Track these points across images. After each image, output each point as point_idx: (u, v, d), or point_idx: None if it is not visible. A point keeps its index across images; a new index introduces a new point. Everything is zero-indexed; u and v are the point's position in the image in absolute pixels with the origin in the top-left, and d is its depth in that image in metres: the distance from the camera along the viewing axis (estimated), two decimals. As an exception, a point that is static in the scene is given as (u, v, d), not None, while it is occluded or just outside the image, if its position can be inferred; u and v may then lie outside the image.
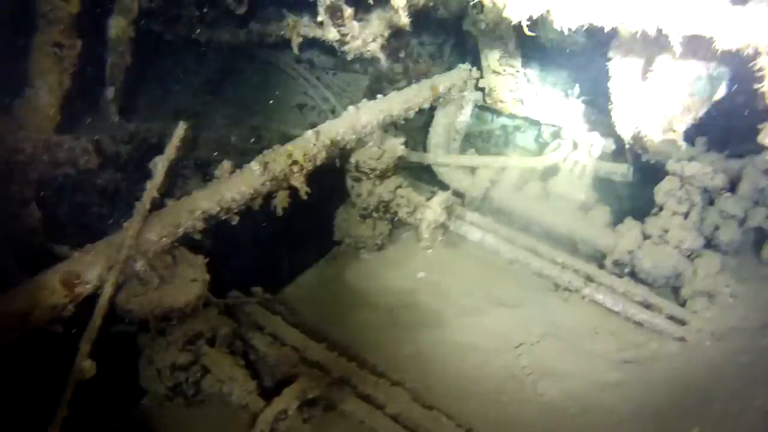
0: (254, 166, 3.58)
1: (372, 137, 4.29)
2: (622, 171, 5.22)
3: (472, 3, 2.84)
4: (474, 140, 6.58)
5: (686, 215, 4.58)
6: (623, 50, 3.96)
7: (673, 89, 3.43)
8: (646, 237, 4.57)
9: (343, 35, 4.09)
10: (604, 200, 4.95)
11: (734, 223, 4.84)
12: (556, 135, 5.72)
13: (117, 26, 4.53)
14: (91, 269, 3.02)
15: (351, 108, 4.23)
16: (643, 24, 2.63)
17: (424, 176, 5.47)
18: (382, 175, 4.41)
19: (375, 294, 4.51)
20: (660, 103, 3.58)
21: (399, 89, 4.83)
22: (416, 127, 5.60)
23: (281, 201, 3.73)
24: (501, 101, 5.61)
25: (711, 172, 4.57)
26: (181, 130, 3.29)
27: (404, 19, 4.30)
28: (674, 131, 3.79)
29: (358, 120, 4.16)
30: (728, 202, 4.83)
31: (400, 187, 4.48)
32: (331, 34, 4.08)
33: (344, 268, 4.76)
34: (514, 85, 5.47)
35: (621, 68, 4.01)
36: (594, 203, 4.88)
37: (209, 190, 3.48)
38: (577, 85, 6.00)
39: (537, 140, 6.54)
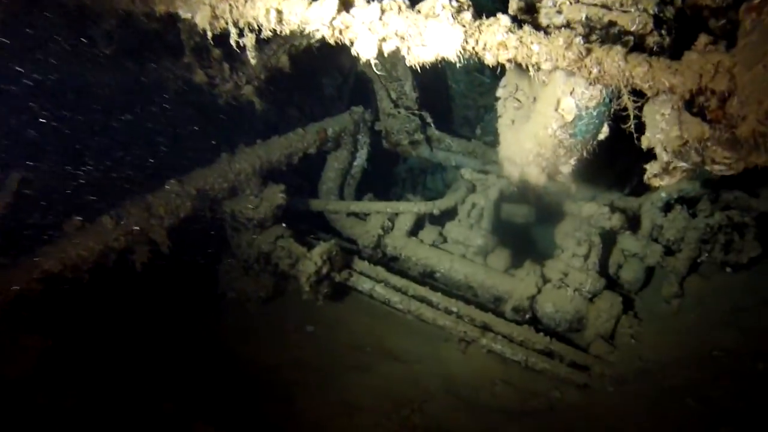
0: (105, 220, 3.40)
1: (248, 185, 4.17)
2: (523, 213, 5.24)
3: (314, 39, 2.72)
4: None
5: (586, 257, 4.60)
6: (509, 89, 4.00)
7: (553, 130, 3.42)
8: (546, 281, 4.55)
9: (211, 77, 3.98)
10: (504, 243, 4.92)
11: (636, 262, 4.90)
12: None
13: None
14: None
15: (224, 155, 4.11)
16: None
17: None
18: (261, 225, 4.27)
19: (259, 351, 4.31)
20: (541, 145, 3.56)
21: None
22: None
23: (139, 257, 3.55)
24: (399, 144, 5.59)
25: (608, 212, 4.63)
26: (13, 182, 3.09)
27: (283, 60, 4.24)
28: (560, 173, 3.77)
29: (231, 168, 4.04)
30: (629, 240, 4.89)
31: (281, 237, 4.34)
32: (198, 76, 3.96)
33: (228, 324, 4.55)
34: (412, 128, 5.46)
35: (506, 108, 4.03)
36: (493, 247, 4.83)
37: (52, 247, 3.27)
38: (479, 126, 6.08)
39: (444, 182, 6.56)
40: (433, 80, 6.22)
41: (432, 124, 5.51)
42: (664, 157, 3.24)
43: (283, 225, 4.42)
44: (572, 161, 3.45)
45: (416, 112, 5.39)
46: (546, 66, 2.33)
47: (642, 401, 3.98)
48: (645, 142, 3.45)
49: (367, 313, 4.60)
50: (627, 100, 2.43)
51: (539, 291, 4.49)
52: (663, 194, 4.87)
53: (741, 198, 4.89)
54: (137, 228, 3.47)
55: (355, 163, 5.30)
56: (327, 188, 5.14)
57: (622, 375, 4.26)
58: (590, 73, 2.30)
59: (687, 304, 4.79)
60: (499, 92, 4.05)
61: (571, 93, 3.20)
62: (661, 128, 3.14)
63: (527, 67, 2.40)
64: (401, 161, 6.64)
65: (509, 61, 2.36)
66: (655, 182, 3.55)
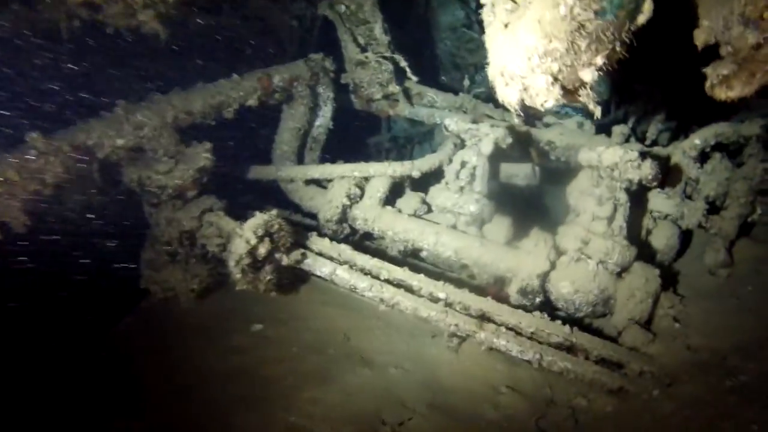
0: None
1: (159, 143, 2.87)
2: (525, 172, 3.95)
3: None
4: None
5: (610, 219, 3.27)
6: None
7: (568, 6, 2.04)
8: (560, 253, 3.25)
9: (92, -8, 2.69)
10: (503, 210, 3.58)
11: (669, 225, 3.62)
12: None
13: None
14: None
15: (122, 103, 2.82)
16: None
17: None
18: (181, 196, 2.98)
19: (189, 358, 3.04)
20: (550, 35, 2.17)
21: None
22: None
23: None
24: (372, 100, 4.27)
25: (637, 159, 3.24)
26: None
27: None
28: (581, 83, 2.36)
29: (129, 119, 2.75)
30: (659, 199, 3.61)
31: (209, 210, 3.05)
32: (73, -8, 2.66)
33: (155, 325, 3.27)
34: (385, 78, 4.14)
35: (496, 14, 2.62)
36: (490, 215, 3.51)
37: None
38: (467, 77, 4.78)
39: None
40: (416, 37, 4.99)
41: (409, 73, 4.18)
42: (750, 38, 1.94)
43: (214, 196, 3.11)
44: (599, 59, 2.10)
45: (388, 55, 4.06)
46: None
47: (703, 410, 2.66)
48: (702, 36, 2.17)
49: (331, 304, 3.32)
50: None
51: (552, 266, 3.24)
52: (697, 141, 3.67)
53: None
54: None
55: (317, 123, 4.00)
56: (281, 153, 3.83)
57: (669, 372, 2.96)
58: None
59: (738, 274, 3.52)
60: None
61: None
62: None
63: None
64: (383, 129, 5.36)
65: None
66: (721, 93, 2.24)
